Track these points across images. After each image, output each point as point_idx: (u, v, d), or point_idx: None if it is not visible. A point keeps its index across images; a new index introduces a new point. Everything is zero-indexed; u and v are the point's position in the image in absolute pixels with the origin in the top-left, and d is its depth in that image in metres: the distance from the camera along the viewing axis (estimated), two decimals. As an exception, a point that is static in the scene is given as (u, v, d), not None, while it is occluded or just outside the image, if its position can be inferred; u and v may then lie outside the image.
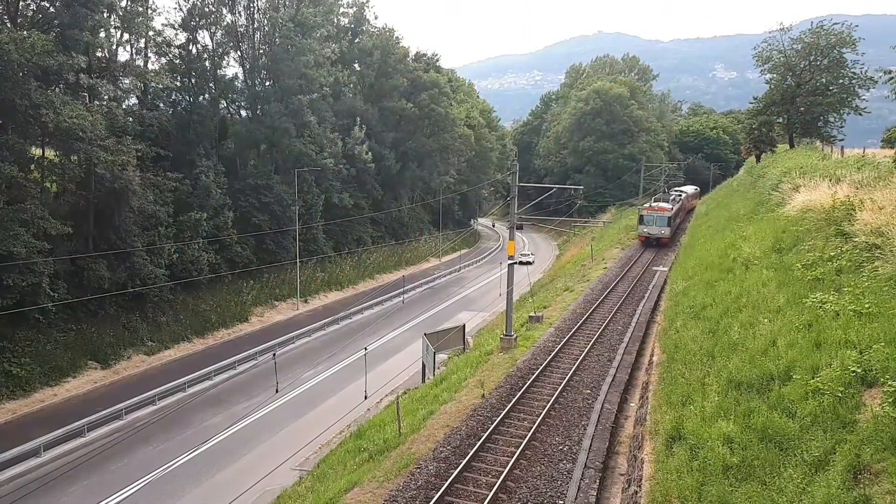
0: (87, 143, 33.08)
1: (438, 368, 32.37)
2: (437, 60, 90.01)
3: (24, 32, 30.76)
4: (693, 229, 50.28)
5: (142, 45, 46.85)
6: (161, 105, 49.53)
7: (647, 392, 19.46)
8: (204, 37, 53.07)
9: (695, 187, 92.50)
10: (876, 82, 46.45)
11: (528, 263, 75.81)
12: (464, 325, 37.56)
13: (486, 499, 16.04)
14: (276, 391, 31.97)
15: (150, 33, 46.34)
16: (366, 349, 33.74)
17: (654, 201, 64.68)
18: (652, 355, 23.26)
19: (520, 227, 33.23)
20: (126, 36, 43.57)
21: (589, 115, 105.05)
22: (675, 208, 62.64)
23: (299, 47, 55.22)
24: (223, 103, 57.21)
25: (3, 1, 34.58)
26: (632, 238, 64.14)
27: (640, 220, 59.91)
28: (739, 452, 10.67)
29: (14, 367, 30.86)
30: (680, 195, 74.68)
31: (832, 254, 15.69)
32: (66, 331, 34.83)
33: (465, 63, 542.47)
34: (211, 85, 53.72)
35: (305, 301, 52.82)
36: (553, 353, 27.91)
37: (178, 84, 50.85)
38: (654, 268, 48.84)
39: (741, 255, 21.83)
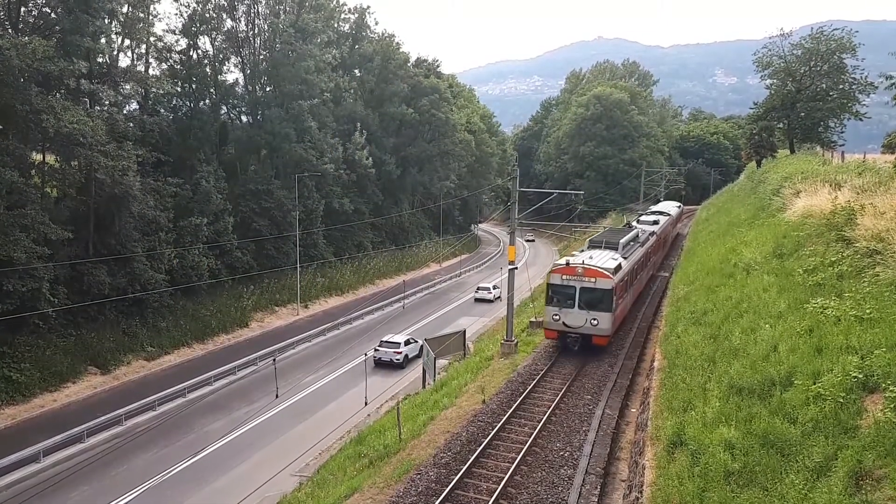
0: (87, 149, 33.15)
1: (439, 374, 32.32)
2: (438, 66, 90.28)
3: (25, 38, 30.88)
4: (694, 235, 50.09)
5: (143, 50, 46.96)
6: (162, 110, 49.67)
7: (649, 397, 19.40)
8: (205, 42, 53.38)
9: (678, 204, 67.55)
10: (876, 87, 46.48)
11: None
12: (464, 331, 37.51)
13: (486, 505, 15.91)
14: (276, 397, 31.97)
15: (151, 39, 46.46)
16: (366, 354, 33.71)
17: (591, 245, 33.78)
18: (653, 360, 23.20)
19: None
20: (127, 42, 43.69)
21: (589, 120, 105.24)
22: (628, 263, 31.59)
23: (300, 53, 55.38)
24: (224, 109, 57.38)
25: (4, 7, 34.69)
26: None
27: (550, 293, 28.52)
28: (741, 458, 10.63)
29: (14, 372, 30.82)
30: (655, 223, 46.18)
31: (833, 259, 15.65)
32: (66, 336, 34.80)
33: (466, 68, 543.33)
34: (212, 90, 53.87)
35: (306, 306, 52.77)
36: (554, 359, 27.83)
37: (179, 89, 51.02)
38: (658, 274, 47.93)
39: (742, 260, 21.80)
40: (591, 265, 28.16)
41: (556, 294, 28.25)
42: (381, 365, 37.09)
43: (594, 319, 27.53)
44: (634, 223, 45.43)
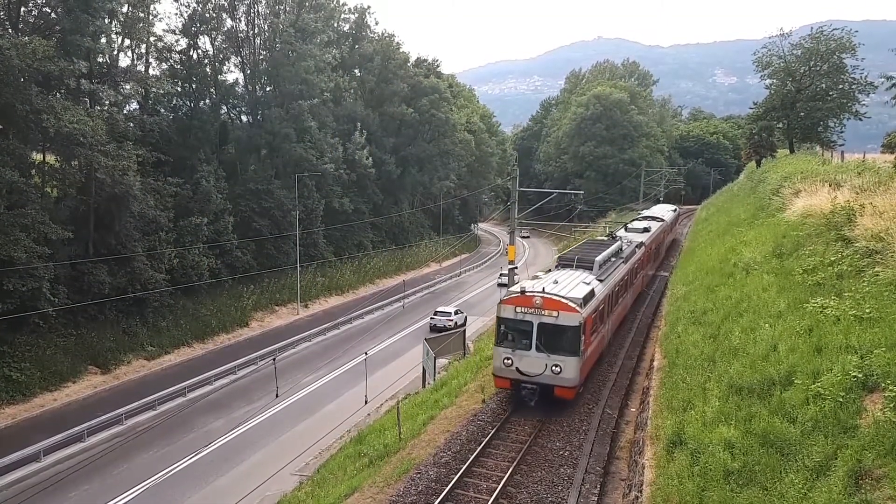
0: (87, 149, 33.16)
1: (439, 373, 32.33)
2: (438, 66, 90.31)
3: (26, 38, 30.89)
4: (694, 234, 50.09)
5: (143, 50, 46.95)
6: (162, 110, 49.71)
7: (648, 397, 19.43)
8: (205, 42, 53.44)
9: (673, 208, 62.04)
10: (876, 87, 46.51)
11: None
12: (464, 330, 37.54)
13: (486, 504, 15.87)
14: (277, 396, 31.98)
15: (151, 39, 46.46)
16: (366, 354, 33.71)
17: (561, 263, 27.74)
18: (653, 360, 23.23)
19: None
20: (127, 41, 43.67)
21: (589, 120, 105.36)
22: (605, 287, 25.19)
23: (300, 53, 55.42)
24: (224, 108, 57.45)
25: (4, 6, 34.70)
26: None
27: (502, 329, 22.06)
28: (740, 458, 10.65)
29: (14, 371, 30.84)
30: (645, 231, 40.53)
31: (833, 259, 15.67)
32: (66, 335, 34.81)
33: (466, 68, 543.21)
34: (212, 90, 53.88)
35: (306, 306, 52.80)
36: (553, 358, 27.63)
37: (179, 89, 51.05)
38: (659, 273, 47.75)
39: (742, 259, 21.83)
40: (553, 294, 21.33)
41: (510, 331, 21.78)
42: (435, 330, 44.56)
43: (556, 366, 20.87)
44: (620, 232, 38.98)
